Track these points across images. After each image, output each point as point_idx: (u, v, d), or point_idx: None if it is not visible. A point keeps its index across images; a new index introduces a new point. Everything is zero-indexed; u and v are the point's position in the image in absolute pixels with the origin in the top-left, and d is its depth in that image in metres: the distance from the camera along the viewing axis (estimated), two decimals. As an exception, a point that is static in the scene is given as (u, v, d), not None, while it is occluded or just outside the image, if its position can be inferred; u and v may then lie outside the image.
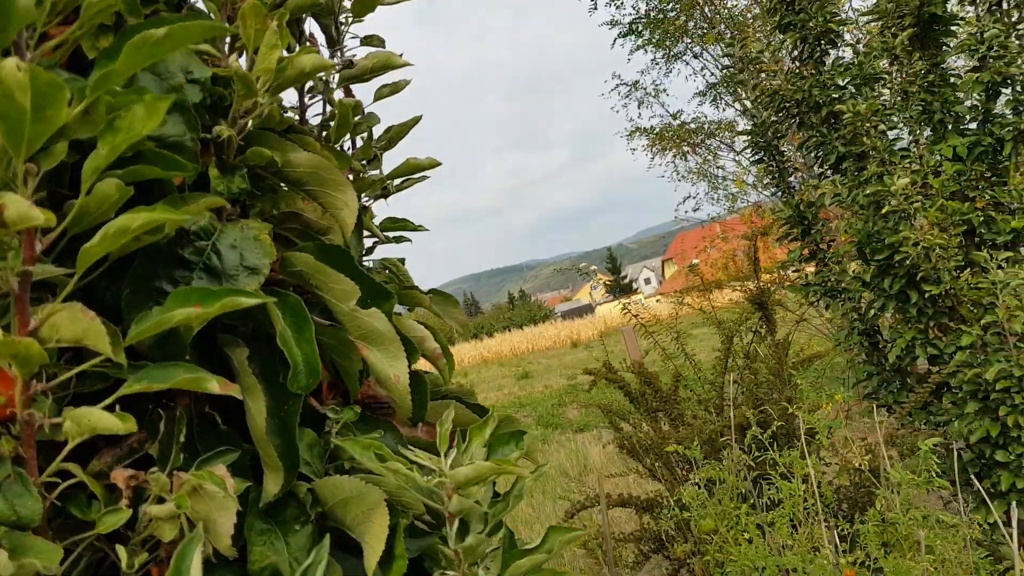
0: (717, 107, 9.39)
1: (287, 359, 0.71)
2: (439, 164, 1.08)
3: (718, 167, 9.00)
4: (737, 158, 8.44)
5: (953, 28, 3.29)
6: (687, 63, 9.61)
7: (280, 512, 0.74)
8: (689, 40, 8.95)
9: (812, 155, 3.61)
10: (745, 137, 3.96)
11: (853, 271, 3.06)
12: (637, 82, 9.98)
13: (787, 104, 3.56)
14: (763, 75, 3.62)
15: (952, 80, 3.21)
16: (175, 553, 0.55)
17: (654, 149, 9.27)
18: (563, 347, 24.70)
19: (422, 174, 1.10)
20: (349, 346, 0.82)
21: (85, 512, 0.64)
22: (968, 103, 3.20)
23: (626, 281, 59.22)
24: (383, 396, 0.95)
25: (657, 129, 9.26)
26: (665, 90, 10.07)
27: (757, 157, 3.74)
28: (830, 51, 3.66)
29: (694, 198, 9.71)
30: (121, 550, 0.62)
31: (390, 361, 0.81)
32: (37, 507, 0.59)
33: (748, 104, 8.81)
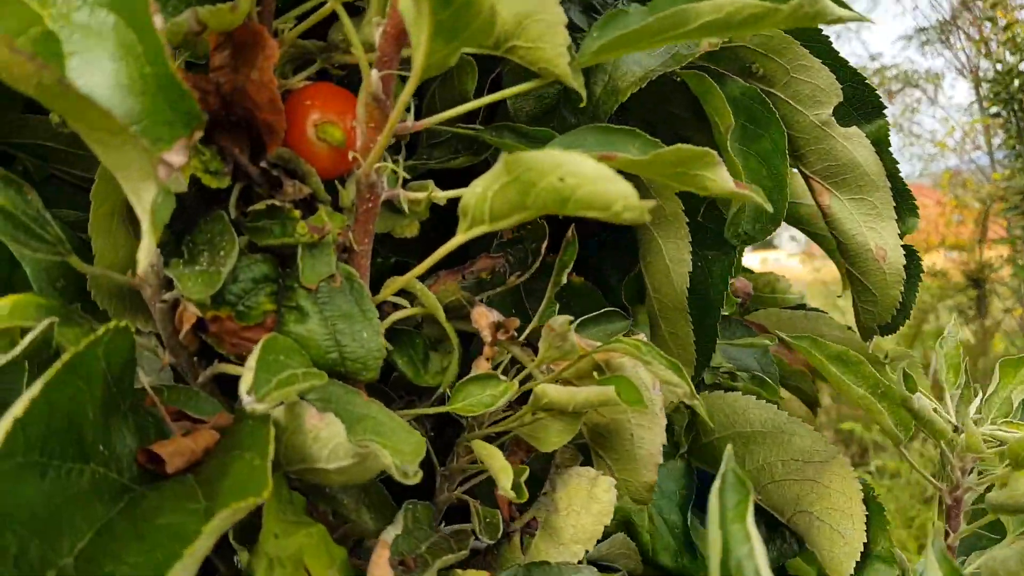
0: (924, 55, 8.22)
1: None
2: None
3: (914, 123, 7.98)
4: (940, 116, 7.42)
5: None
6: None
7: None
8: (907, -28, 7.82)
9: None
10: (982, 85, 3.35)
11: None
12: (837, 13, 8.94)
13: (1051, 51, 2.94)
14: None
15: None
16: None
17: (843, 91, 8.34)
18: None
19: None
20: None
21: (419, 371, 0.36)
22: None
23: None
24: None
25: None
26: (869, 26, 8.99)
27: (995, 111, 3.15)
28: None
29: (879, 152, 8.72)
30: (491, 451, 0.35)
31: (871, 220, 0.48)
32: (377, 343, 0.31)
33: (964, 56, 7.67)
